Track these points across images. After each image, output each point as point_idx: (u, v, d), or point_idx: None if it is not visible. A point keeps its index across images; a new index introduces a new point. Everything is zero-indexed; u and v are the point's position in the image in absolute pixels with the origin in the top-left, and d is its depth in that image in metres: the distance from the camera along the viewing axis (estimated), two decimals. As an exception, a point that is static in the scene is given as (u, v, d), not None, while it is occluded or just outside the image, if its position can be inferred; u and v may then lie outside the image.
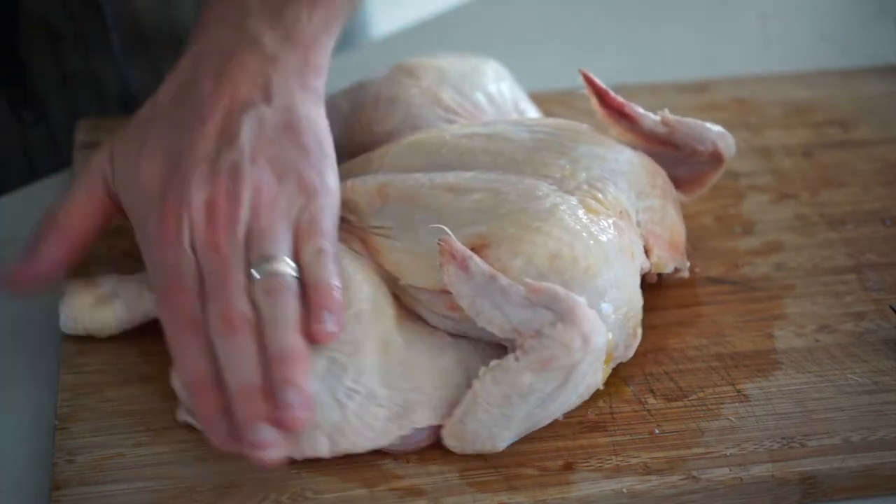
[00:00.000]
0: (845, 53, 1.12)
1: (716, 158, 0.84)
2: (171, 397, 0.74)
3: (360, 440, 0.71)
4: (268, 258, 0.71)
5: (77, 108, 1.05)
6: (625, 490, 0.71)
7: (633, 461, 0.72)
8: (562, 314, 0.68)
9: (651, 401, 0.76)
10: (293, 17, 0.79)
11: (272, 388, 0.67)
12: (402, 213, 0.76)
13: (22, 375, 0.79)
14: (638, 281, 0.77)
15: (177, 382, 0.73)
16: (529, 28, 1.16)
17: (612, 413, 0.74)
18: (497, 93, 0.90)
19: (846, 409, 0.75)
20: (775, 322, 0.82)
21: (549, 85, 1.01)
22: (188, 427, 0.73)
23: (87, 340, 0.79)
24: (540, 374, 0.69)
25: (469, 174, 0.77)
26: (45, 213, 0.77)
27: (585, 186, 0.77)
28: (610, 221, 0.75)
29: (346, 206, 0.78)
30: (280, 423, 0.67)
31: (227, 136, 0.75)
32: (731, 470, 0.72)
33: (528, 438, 0.73)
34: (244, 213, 0.73)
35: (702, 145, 0.83)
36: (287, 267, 0.71)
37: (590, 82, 0.83)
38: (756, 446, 0.73)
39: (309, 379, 0.69)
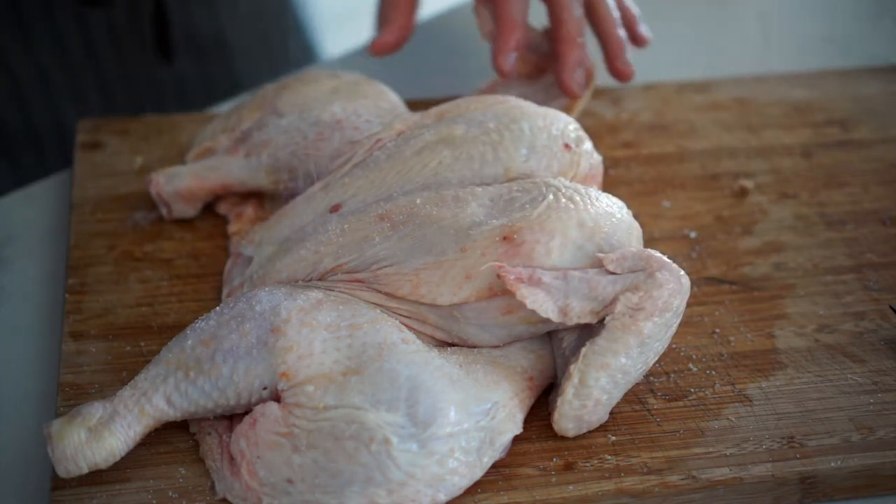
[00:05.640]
0: (845, 53, 1.12)
1: (587, 74, 0.92)
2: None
3: (462, 481, 0.69)
4: None
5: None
6: (625, 490, 0.71)
7: (633, 461, 0.72)
8: (658, 264, 0.72)
9: (651, 400, 0.76)
10: None
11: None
12: (413, 232, 0.75)
13: (22, 375, 0.79)
14: None
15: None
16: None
17: (612, 413, 0.74)
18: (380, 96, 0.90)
19: (846, 409, 0.76)
20: (775, 322, 0.82)
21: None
22: (188, 427, 0.73)
23: (86, 340, 0.79)
24: (659, 318, 0.72)
25: (465, 189, 0.77)
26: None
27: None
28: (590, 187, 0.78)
29: (347, 248, 0.76)
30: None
31: None
32: (731, 470, 0.72)
33: (528, 438, 0.73)
34: None
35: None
36: None
37: None
38: (756, 446, 0.73)
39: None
